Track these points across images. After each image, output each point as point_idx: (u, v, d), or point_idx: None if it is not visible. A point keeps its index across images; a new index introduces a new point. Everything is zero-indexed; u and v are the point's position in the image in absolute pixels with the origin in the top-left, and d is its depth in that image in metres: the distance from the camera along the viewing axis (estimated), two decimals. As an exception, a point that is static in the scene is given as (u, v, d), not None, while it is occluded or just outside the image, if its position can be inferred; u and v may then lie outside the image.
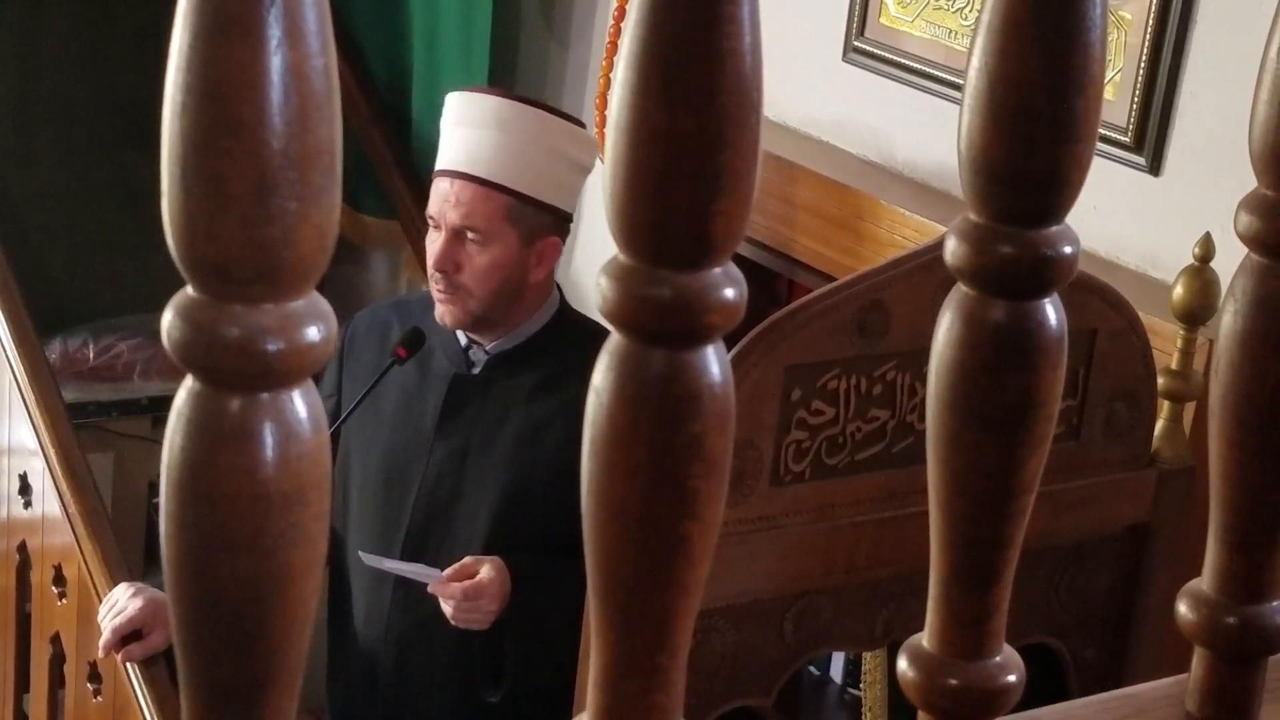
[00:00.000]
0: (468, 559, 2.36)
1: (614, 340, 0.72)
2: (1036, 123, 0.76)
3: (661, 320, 0.70)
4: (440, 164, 2.52)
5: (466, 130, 2.50)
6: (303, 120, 0.62)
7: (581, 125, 2.58)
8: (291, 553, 0.66)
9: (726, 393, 0.72)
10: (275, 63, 0.61)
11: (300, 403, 0.65)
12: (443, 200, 2.48)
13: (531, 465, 2.44)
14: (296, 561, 0.66)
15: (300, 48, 0.61)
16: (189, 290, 0.64)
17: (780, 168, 2.75)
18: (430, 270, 2.49)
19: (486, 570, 2.33)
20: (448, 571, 2.34)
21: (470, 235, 2.46)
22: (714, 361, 0.72)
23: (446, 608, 2.34)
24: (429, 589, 2.35)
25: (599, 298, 0.71)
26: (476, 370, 2.53)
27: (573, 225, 2.59)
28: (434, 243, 2.49)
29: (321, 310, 0.65)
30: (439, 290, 2.47)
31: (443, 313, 2.48)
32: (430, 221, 2.51)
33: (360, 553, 2.44)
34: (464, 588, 2.32)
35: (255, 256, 0.62)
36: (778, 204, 2.76)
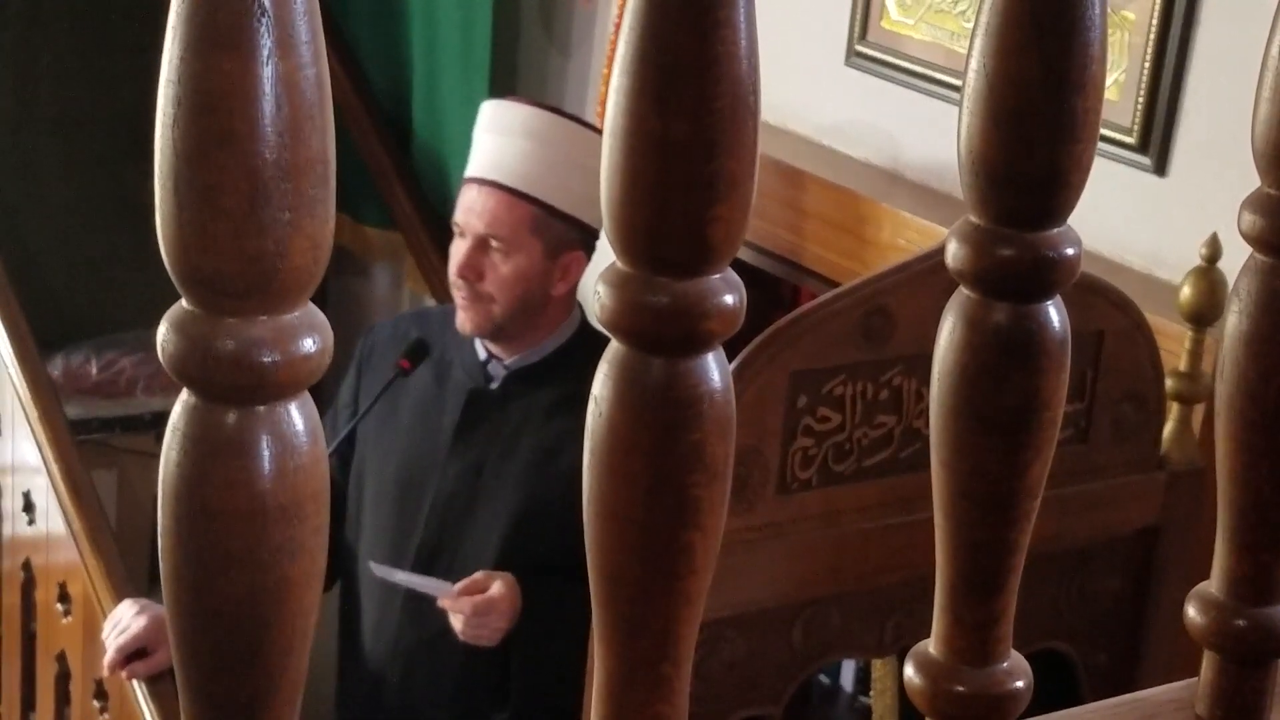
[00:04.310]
0: (479, 574, 2.35)
1: (613, 348, 0.71)
2: (1036, 124, 0.76)
3: (660, 327, 0.70)
4: (469, 171, 2.52)
5: (497, 138, 2.49)
6: (295, 131, 0.61)
7: None
8: (289, 567, 0.65)
9: (727, 400, 0.72)
10: (267, 73, 0.60)
11: (297, 415, 0.65)
12: (468, 208, 2.48)
13: (546, 484, 2.43)
14: (295, 575, 0.66)
15: (292, 58, 0.61)
16: (183, 303, 0.63)
17: (783, 172, 2.74)
18: (452, 277, 2.48)
19: (498, 586, 2.32)
20: (459, 585, 2.33)
21: (494, 244, 2.45)
22: (714, 368, 0.71)
23: (456, 622, 2.32)
24: (439, 603, 2.34)
25: (597, 306, 0.71)
26: (495, 385, 2.51)
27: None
28: (457, 250, 2.48)
29: (317, 322, 0.64)
30: (461, 297, 2.47)
31: (463, 320, 2.47)
32: (455, 228, 2.50)
33: (371, 563, 2.43)
34: (474, 603, 2.31)
35: (248, 269, 0.62)
36: (780, 209, 2.75)
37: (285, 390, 0.64)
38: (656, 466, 0.71)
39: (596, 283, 0.71)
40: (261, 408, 0.64)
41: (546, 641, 2.36)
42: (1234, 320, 0.90)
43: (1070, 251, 0.78)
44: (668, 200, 0.68)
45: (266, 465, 0.64)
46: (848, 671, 3.02)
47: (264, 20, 0.60)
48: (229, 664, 0.67)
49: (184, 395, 0.64)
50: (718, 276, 0.70)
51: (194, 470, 0.64)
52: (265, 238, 0.62)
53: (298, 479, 0.65)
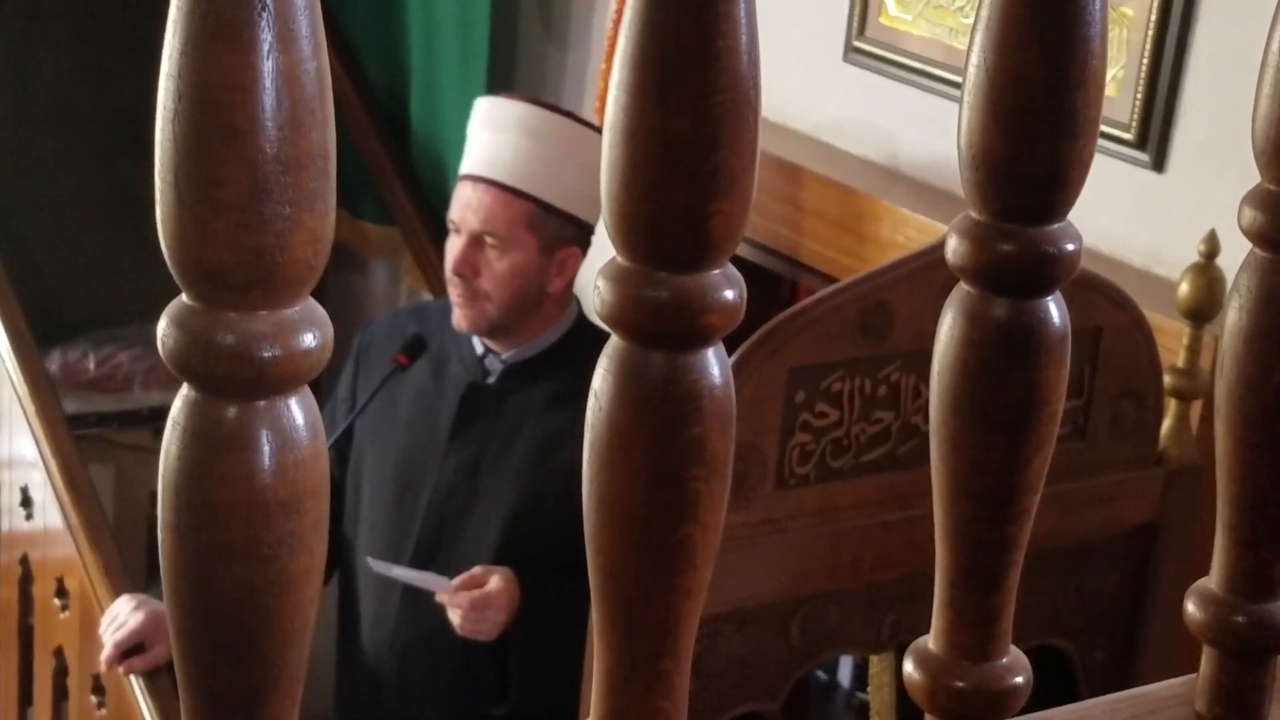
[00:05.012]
0: (477, 568, 2.34)
1: (613, 343, 0.71)
2: (1036, 119, 0.75)
3: (660, 322, 0.69)
4: (464, 168, 2.52)
5: (492, 135, 2.49)
6: (295, 125, 0.61)
7: None
8: (289, 561, 0.65)
9: (727, 394, 0.72)
10: (267, 67, 0.60)
11: (297, 409, 0.65)
12: (464, 205, 2.47)
13: (544, 479, 2.43)
14: (294, 569, 0.66)
15: (292, 52, 0.61)
16: (184, 298, 0.63)
17: (781, 169, 2.74)
18: (448, 274, 2.48)
19: (495, 581, 2.32)
20: (456, 580, 2.33)
21: (489, 240, 2.45)
22: (714, 363, 0.71)
23: (454, 617, 2.32)
24: (437, 597, 2.34)
25: (597, 300, 0.71)
26: (492, 380, 2.51)
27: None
28: (453, 247, 2.48)
29: (317, 317, 0.64)
30: (457, 295, 2.47)
31: (459, 317, 2.47)
32: (450, 225, 2.50)
33: (369, 559, 2.43)
34: (472, 597, 2.31)
35: (249, 263, 0.62)
36: (779, 205, 2.75)
37: (285, 385, 0.64)
38: (656, 461, 0.71)
39: (597, 277, 0.71)
40: (261, 402, 0.64)
41: (545, 636, 2.36)
42: (1234, 316, 0.90)
43: (1070, 247, 0.78)
44: (668, 195, 0.68)
45: (266, 460, 0.64)
46: (845, 667, 3.02)
47: (264, 14, 0.60)
48: (229, 658, 0.67)
49: (184, 389, 0.64)
50: (718, 271, 0.70)
51: (194, 464, 0.64)
52: (266, 232, 0.62)
53: (298, 473, 0.65)
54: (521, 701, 2.42)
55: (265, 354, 0.62)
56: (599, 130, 2.56)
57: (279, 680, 0.67)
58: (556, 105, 2.64)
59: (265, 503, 0.64)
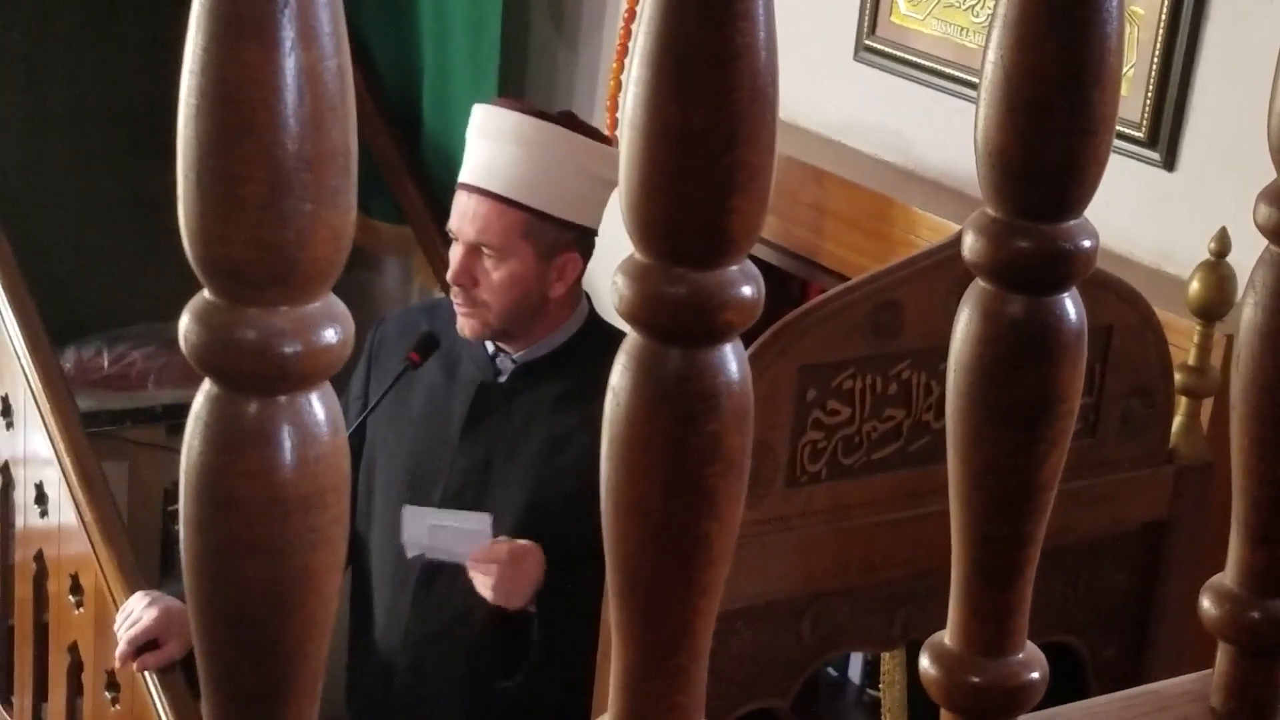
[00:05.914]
0: (502, 538, 2.35)
1: (631, 339, 0.72)
2: (1053, 115, 0.76)
3: (678, 318, 0.70)
4: (461, 177, 2.52)
5: (488, 144, 2.50)
6: (317, 121, 0.62)
7: (607, 140, 2.57)
8: (310, 556, 0.66)
9: (745, 391, 0.72)
10: (289, 64, 0.61)
11: (318, 405, 0.65)
12: (460, 214, 2.49)
13: (554, 477, 2.43)
14: (315, 565, 0.66)
15: (314, 49, 0.61)
16: (205, 294, 0.64)
17: (792, 168, 2.74)
18: (450, 283, 2.50)
19: (525, 543, 2.33)
20: (479, 550, 2.32)
21: (486, 251, 2.46)
22: (732, 359, 0.71)
23: (483, 584, 2.31)
24: (469, 561, 2.33)
25: (615, 297, 0.71)
26: (503, 379, 2.52)
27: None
28: (452, 256, 2.49)
29: (338, 312, 0.65)
30: (458, 303, 2.48)
31: (462, 325, 2.49)
32: (451, 234, 2.52)
33: (405, 506, 2.43)
34: (511, 548, 2.31)
35: (269, 259, 0.62)
36: (789, 204, 2.75)
37: (306, 380, 0.64)
38: (674, 457, 0.72)
39: (615, 274, 0.71)
40: (283, 398, 0.64)
41: (553, 635, 2.36)
42: (1249, 313, 0.90)
43: (1086, 244, 0.78)
44: (686, 191, 0.68)
45: (287, 455, 0.64)
46: (856, 664, 3.02)
47: (286, 11, 0.60)
48: (250, 653, 0.67)
49: (206, 385, 0.65)
50: (736, 268, 0.70)
51: (215, 460, 0.64)
52: (287, 228, 0.62)
53: (318, 469, 0.65)
54: (530, 691, 2.42)
55: (286, 350, 0.63)
56: (594, 134, 2.57)
57: (300, 675, 0.67)
58: (549, 112, 2.63)
59: (286, 498, 0.65)
